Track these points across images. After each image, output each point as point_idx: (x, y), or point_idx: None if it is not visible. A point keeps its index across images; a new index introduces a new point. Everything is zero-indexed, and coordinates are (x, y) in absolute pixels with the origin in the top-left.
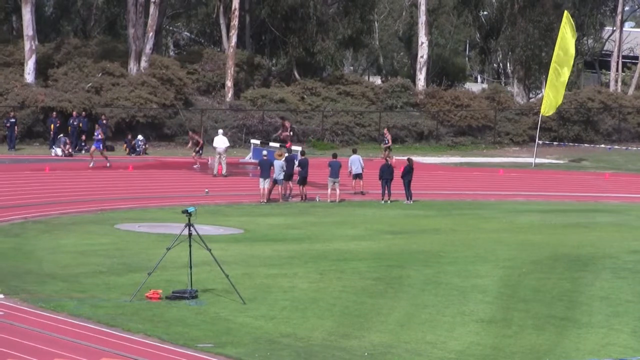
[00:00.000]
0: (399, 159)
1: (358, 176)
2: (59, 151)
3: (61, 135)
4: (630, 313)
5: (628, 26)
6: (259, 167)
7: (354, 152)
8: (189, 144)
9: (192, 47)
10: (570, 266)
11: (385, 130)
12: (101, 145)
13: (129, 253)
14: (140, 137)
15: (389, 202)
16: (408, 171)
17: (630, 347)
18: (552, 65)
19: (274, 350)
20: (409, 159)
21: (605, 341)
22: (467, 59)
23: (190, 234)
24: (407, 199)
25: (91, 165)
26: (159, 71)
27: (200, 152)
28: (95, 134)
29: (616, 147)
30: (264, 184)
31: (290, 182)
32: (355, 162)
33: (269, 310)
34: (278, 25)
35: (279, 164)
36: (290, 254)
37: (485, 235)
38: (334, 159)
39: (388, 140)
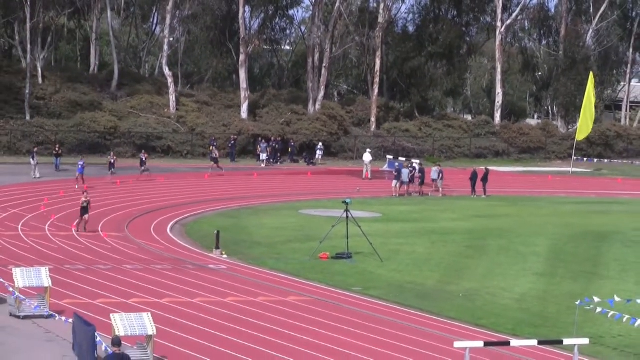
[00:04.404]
0: (481, 168)
1: (434, 180)
2: (262, 164)
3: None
4: (634, 270)
5: (634, 82)
6: (394, 173)
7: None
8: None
9: (349, 95)
10: (594, 239)
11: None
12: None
13: (308, 229)
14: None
15: (475, 196)
16: (485, 176)
17: (634, 292)
18: (583, 107)
19: (401, 292)
20: (486, 168)
21: (618, 288)
22: (527, 103)
23: (347, 217)
24: (484, 194)
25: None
26: (327, 111)
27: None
28: (211, 153)
29: (625, 161)
30: (396, 184)
31: (412, 184)
32: (435, 172)
33: (398, 266)
34: (404, 81)
35: (405, 171)
36: (412, 230)
37: (539, 218)
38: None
39: (215, 154)
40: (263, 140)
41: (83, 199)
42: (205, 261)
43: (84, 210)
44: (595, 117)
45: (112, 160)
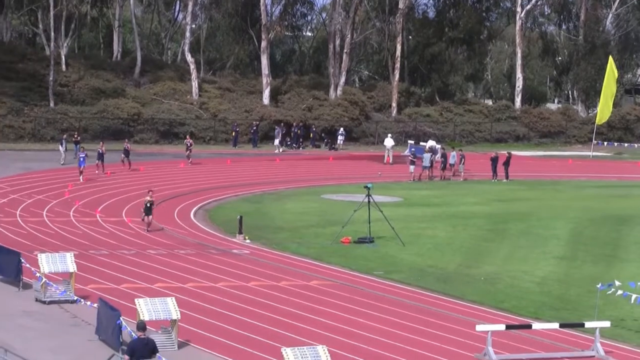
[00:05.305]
0: (503, 153)
1: (452, 165)
2: (277, 149)
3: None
4: None
5: None
6: (410, 157)
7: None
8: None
9: (370, 81)
10: (615, 222)
11: (188, 137)
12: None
13: (329, 213)
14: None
15: (495, 180)
16: (507, 161)
17: None
18: (603, 91)
19: (423, 275)
20: (508, 153)
21: (639, 271)
22: (547, 87)
23: (369, 201)
24: (506, 179)
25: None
26: (349, 96)
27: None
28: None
29: None
30: (414, 169)
31: (432, 168)
32: (453, 157)
33: (419, 250)
34: (425, 66)
35: (427, 156)
36: (433, 214)
37: (560, 202)
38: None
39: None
40: (281, 125)
41: (148, 198)
42: (229, 246)
43: (148, 210)
44: (615, 101)
45: (101, 151)
